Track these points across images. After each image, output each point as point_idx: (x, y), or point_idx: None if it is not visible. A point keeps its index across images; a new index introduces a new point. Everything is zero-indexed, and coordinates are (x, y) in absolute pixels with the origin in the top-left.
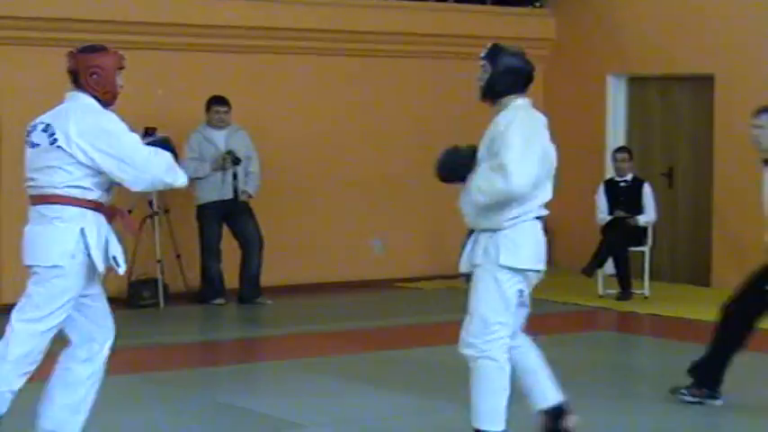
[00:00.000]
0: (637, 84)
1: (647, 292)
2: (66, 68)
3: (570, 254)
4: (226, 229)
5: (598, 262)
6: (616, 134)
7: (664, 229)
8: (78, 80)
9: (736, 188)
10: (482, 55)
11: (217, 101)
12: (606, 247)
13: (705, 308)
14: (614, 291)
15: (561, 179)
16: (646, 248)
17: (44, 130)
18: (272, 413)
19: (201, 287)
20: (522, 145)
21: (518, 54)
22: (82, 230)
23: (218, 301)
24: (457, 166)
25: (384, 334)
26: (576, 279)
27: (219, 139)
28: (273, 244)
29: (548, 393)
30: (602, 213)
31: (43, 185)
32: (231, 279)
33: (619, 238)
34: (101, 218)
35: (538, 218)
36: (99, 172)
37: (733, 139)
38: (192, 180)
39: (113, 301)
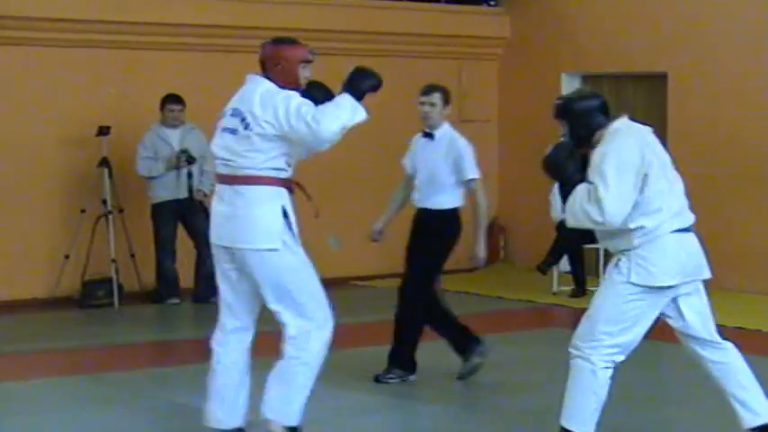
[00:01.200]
0: (590, 82)
1: None
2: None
3: (525, 251)
4: (181, 228)
5: (553, 259)
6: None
7: None
8: (265, 68)
9: (688, 185)
10: (553, 116)
11: (171, 99)
12: (561, 244)
13: None
14: (569, 288)
15: (516, 177)
16: (600, 246)
17: (233, 115)
18: None
19: (156, 286)
20: (615, 177)
21: (582, 95)
22: (283, 209)
23: (174, 300)
24: (561, 167)
25: (337, 332)
26: (531, 276)
27: (174, 137)
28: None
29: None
30: (557, 211)
31: (243, 167)
32: (186, 278)
33: (573, 236)
34: (289, 196)
35: (680, 230)
36: (289, 147)
37: (686, 136)
38: (147, 179)
39: (67, 301)
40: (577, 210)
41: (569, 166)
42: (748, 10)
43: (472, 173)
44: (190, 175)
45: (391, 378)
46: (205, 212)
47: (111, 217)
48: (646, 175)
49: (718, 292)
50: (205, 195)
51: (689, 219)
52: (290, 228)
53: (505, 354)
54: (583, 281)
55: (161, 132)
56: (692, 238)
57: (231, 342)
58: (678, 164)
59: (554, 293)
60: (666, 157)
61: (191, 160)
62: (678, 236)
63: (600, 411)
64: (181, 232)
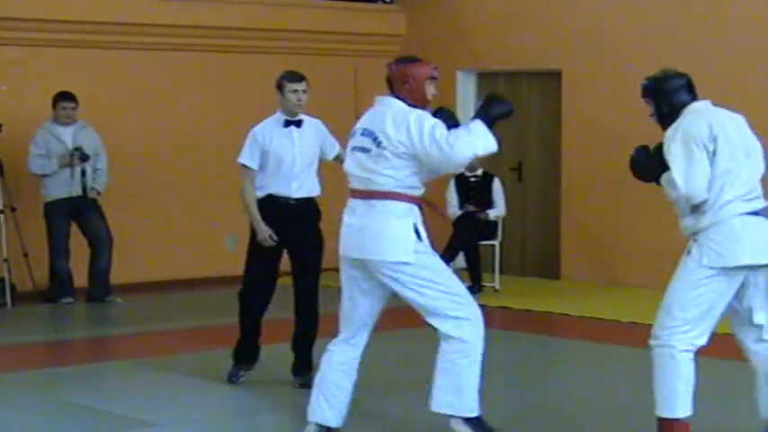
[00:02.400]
0: (486, 79)
1: (497, 285)
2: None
3: None
4: (74, 227)
5: (449, 256)
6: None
7: (514, 223)
8: (393, 87)
9: (583, 182)
10: (641, 95)
11: (64, 97)
12: (457, 241)
13: (554, 300)
14: (465, 284)
15: None
16: (496, 242)
17: (364, 135)
18: (123, 413)
19: (50, 286)
20: (682, 156)
21: (668, 75)
22: (414, 225)
23: (67, 299)
24: (645, 167)
25: (236, 331)
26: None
27: (67, 135)
28: (123, 241)
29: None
30: (453, 208)
31: (380, 183)
32: (80, 277)
33: (469, 233)
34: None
35: (749, 213)
36: (420, 165)
37: (580, 133)
38: (40, 177)
39: None
40: (670, 194)
41: (654, 165)
42: (641, 7)
43: (338, 146)
44: (83, 173)
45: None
46: (99, 211)
47: (3, 216)
48: (713, 152)
49: (613, 288)
50: (98, 194)
51: (759, 204)
52: (420, 241)
53: (401, 352)
54: (479, 277)
55: (54, 130)
56: (761, 222)
57: (342, 346)
58: (572, 160)
59: None
60: (746, 142)
61: (84, 158)
62: (746, 218)
63: (692, 394)
64: (75, 231)
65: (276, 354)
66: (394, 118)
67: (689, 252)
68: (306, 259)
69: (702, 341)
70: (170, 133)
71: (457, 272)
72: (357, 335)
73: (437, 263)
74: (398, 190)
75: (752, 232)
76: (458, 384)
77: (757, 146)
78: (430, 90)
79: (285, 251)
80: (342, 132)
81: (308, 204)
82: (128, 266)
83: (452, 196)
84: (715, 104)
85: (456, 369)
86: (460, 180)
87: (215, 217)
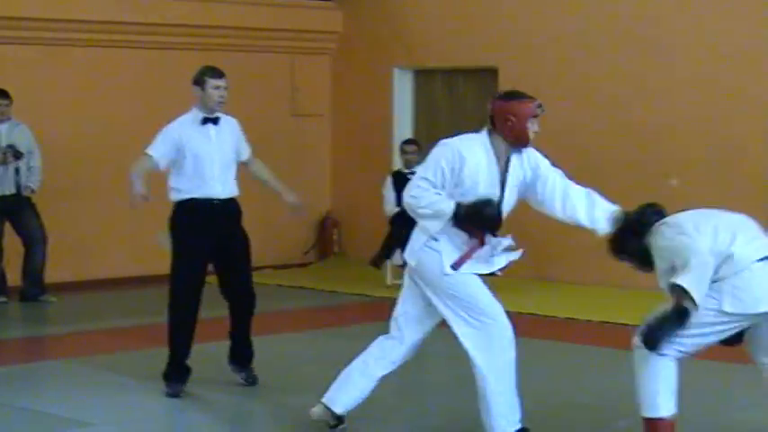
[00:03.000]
0: (423, 76)
1: None
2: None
3: (358, 245)
4: (8, 226)
5: (386, 253)
6: (403, 127)
7: None
8: (494, 124)
9: None
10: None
11: None
12: (394, 238)
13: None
14: (402, 281)
15: (349, 171)
16: None
17: None
18: (59, 412)
19: None
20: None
21: (625, 226)
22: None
23: (1, 299)
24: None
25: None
26: (365, 270)
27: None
28: (58, 240)
29: None
30: (390, 205)
31: None
32: (14, 277)
33: (406, 230)
34: None
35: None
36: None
37: None
38: None
39: None
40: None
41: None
42: (577, 5)
43: (249, 148)
44: (17, 171)
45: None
46: (33, 209)
47: None
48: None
49: (548, 284)
50: (32, 192)
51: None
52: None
53: (340, 348)
54: None
55: None
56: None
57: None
58: None
59: (388, 287)
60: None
61: (18, 156)
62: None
63: (675, 393)
64: (8, 230)
65: (207, 352)
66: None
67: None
68: (236, 259)
69: (690, 350)
70: (102, 131)
71: (386, 268)
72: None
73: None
74: None
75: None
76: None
77: None
78: (532, 128)
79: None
80: (280, 129)
81: (231, 204)
82: (62, 265)
83: (389, 193)
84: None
85: None
86: (397, 177)
87: (148, 215)
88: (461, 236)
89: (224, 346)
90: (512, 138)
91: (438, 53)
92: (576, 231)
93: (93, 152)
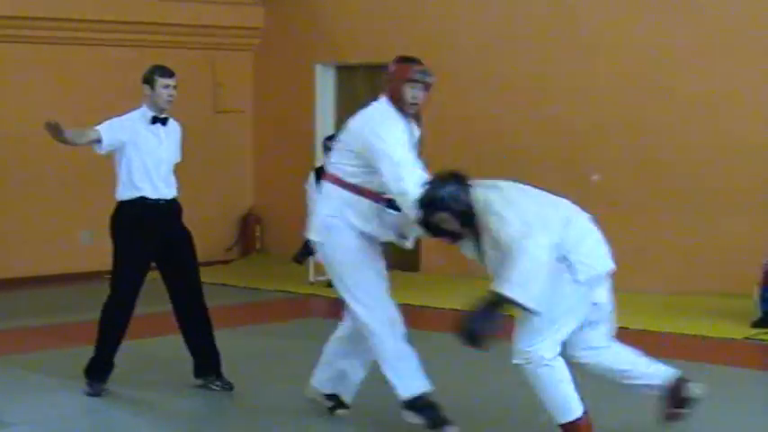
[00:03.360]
0: (345, 72)
1: None
2: None
3: (281, 242)
4: None
5: (309, 249)
6: (325, 123)
7: None
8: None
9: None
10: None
11: None
12: None
13: (413, 293)
14: (325, 278)
15: (272, 167)
16: None
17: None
18: None
19: None
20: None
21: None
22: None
23: None
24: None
25: (92, 328)
26: (287, 267)
27: None
28: None
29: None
30: (313, 201)
31: None
32: None
33: None
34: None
35: None
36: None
37: (440, 127)
38: None
39: None
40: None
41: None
42: (498, 1)
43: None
44: None
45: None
46: None
47: None
48: None
49: (470, 280)
50: None
51: None
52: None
53: (263, 345)
54: None
55: None
56: None
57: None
58: (430, 152)
59: (311, 283)
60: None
61: None
62: None
63: (575, 387)
64: None
65: (128, 350)
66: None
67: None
68: (184, 259)
69: (567, 336)
70: (22, 128)
71: (308, 265)
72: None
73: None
74: None
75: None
76: None
77: None
78: (411, 92)
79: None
80: (201, 125)
81: (174, 204)
82: None
83: (312, 189)
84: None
85: None
86: (320, 173)
87: (70, 212)
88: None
89: (143, 343)
90: (392, 100)
91: (360, 49)
92: None
93: (12, 149)
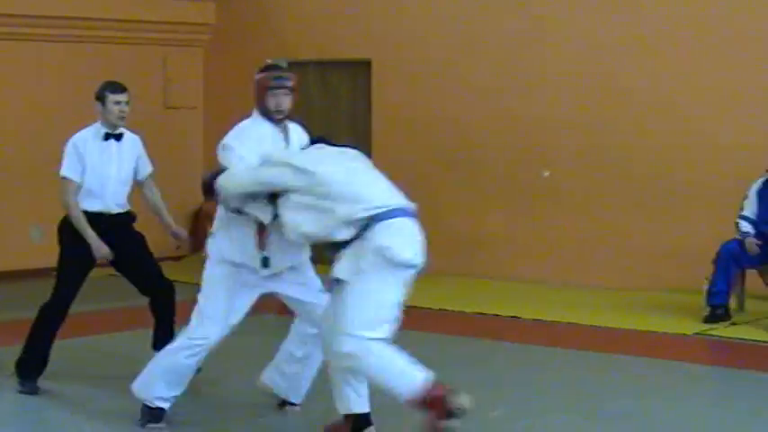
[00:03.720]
0: (296, 69)
1: None
2: None
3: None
4: None
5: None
6: None
7: None
8: None
9: (393, 170)
10: None
11: None
12: None
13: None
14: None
15: None
16: None
17: None
18: None
19: None
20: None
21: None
22: None
23: None
24: None
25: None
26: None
27: None
28: None
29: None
30: None
31: None
32: None
33: None
34: None
35: None
36: None
37: (390, 121)
38: None
39: None
40: None
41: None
42: None
43: (150, 166)
44: None
45: None
46: None
47: None
48: None
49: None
50: None
51: None
52: None
53: (224, 344)
54: None
55: None
56: None
57: None
58: (383, 148)
59: None
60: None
61: None
62: None
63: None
64: None
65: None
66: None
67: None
68: (138, 254)
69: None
70: (38, 123)
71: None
72: None
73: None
74: None
75: None
76: None
77: None
78: (274, 101)
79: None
80: (152, 121)
81: (123, 216)
82: None
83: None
84: None
85: None
86: None
87: (19, 207)
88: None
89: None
90: (260, 111)
91: (311, 45)
92: (453, 220)
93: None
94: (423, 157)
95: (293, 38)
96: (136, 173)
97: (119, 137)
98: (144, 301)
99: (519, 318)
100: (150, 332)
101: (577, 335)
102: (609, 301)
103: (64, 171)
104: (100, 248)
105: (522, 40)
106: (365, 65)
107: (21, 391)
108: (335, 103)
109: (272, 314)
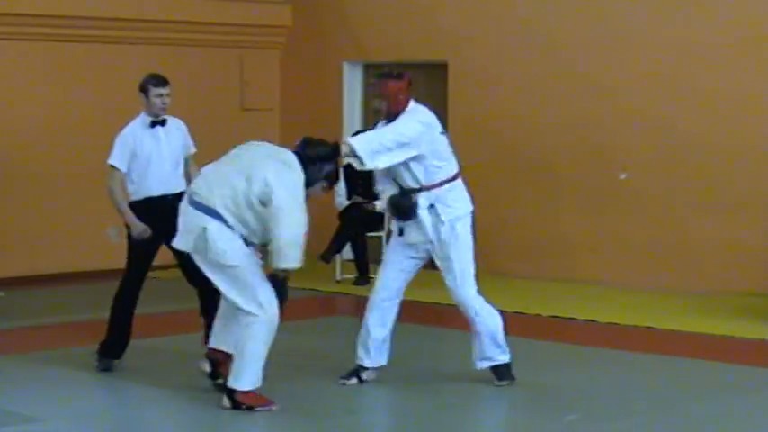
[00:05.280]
0: (372, 71)
1: None
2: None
3: (308, 240)
4: None
5: (336, 247)
6: (352, 120)
7: None
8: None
9: (470, 173)
10: None
11: None
12: (344, 232)
13: (440, 291)
14: (352, 276)
15: None
16: (383, 233)
17: None
18: (9, 407)
19: None
20: None
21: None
22: None
23: None
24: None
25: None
26: (315, 265)
27: None
28: (5, 234)
29: None
30: (341, 198)
31: None
32: None
33: (356, 224)
34: None
35: None
36: None
37: (466, 124)
38: None
39: None
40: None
41: None
42: None
43: (193, 147)
44: None
45: None
46: None
47: None
48: None
49: (498, 277)
50: None
51: None
52: None
53: (290, 343)
54: (366, 269)
55: None
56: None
57: None
58: (458, 151)
59: (338, 282)
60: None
61: None
62: None
63: None
64: None
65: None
66: None
67: None
68: None
69: None
70: (51, 123)
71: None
72: None
73: None
74: None
75: None
76: None
77: None
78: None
79: (164, 246)
80: (228, 123)
81: (181, 198)
82: (10, 260)
83: (340, 186)
84: None
85: None
86: (349, 170)
87: (97, 208)
88: None
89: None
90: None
91: (387, 47)
92: (535, 225)
93: (41, 144)
94: (498, 160)
95: (369, 40)
96: (186, 150)
97: (163, 122)
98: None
99: (594, 321)
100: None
101: (652, 338)
102: (684, 305)
103: (111, 160)
104: (137, 227)
105: (597, 43)
106: (442, 67)
107: (101, 369)
108: None
109: (346, 316)
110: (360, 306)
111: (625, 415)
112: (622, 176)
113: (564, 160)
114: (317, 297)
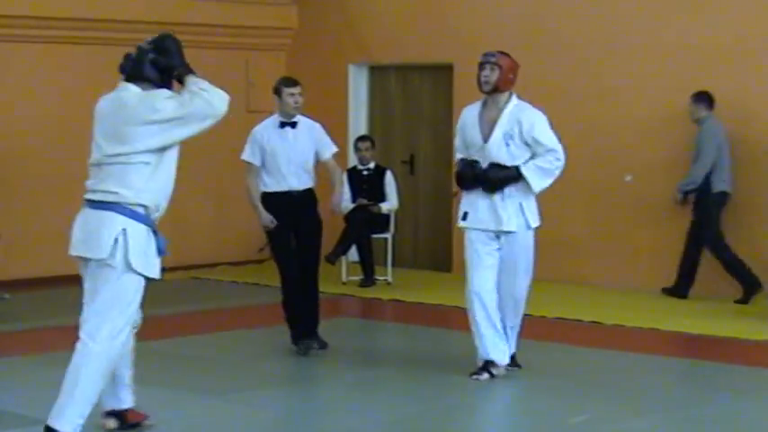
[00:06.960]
0: (377, 73)
1: (389, 278)
2: None
3: None
4: None
5: (342, 249)
6: (358, 123)
7: (406, 216)
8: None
9: None
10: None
11: None
12: (349, 234)
13: (446, 293)
14: (358, 277)
15: None
16: (388, 235)
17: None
18: (11, 409)
19: None
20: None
21: None
22: None
23: None
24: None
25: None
26: (320, 266)
27: None
28: (10, 236)
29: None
30: (346, 201)
31: None
32: None
33: (362, 226)
34: None
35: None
36: None
37: None
38: None
39: None
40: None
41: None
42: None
43: (334, 147)
44: None
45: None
46: None
47: None
48: None
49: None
50: None
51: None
52: None
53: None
54: (371, 270)
55: None
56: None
57: None
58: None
59: (343, 283)
60: None
61: None
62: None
63: None
64: None
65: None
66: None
67: None
68: (307, 240)
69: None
70: (56, 123)
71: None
72: None
73: None
74: None
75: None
76: None
77: None
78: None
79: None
80: (233, 125)
81: (307, 193)
82: (15, 262)
83: (345, 189)
84: None
85: None
86: (353, 173)
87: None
88: None
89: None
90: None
91: (393, 49)
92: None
93: (44, 147)
94: None
95: (375, 42)
96: (318, 155)
97: (294, 124)
98: (237, 303)
99: (600, 323)
100: (240, 335)
101: (657, 340)
102: (689, 307)
103: (243, 155)
104: (263, 216)
105: (603, 45)
106: (447, 69)
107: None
108: (417, 107)
109: (352, 317)
110: (365, 308)
111: (631, 416)
112: (627, 178)
113: (569, 162)
114: (323, 299)
